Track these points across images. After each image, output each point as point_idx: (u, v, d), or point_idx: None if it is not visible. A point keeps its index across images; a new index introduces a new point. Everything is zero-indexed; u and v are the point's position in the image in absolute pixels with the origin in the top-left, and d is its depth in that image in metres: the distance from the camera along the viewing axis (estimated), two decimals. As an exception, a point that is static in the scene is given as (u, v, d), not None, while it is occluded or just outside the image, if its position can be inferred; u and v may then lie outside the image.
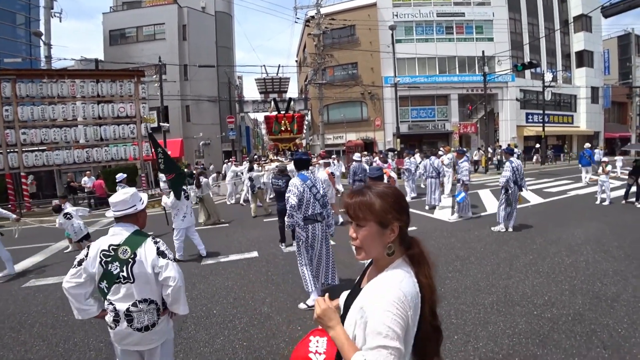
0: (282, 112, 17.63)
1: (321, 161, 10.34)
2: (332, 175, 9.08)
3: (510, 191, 7.20)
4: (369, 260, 1.38)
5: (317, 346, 1.36)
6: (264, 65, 31.05)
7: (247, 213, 10.93)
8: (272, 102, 19.42)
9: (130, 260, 2.10)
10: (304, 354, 1.36)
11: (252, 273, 5.59)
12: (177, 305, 2.19)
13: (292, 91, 46.11)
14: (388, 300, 1.08)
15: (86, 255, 2.12)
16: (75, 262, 2.12)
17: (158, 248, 2.16)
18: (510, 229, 7.25)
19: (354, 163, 9.49)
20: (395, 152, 19.98)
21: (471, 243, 6.60)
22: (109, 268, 2.09)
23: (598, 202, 9.95)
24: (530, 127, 29.31)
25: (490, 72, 24.07)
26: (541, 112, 26.91)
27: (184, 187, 6.48)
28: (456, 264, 5.42)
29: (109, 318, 2.14)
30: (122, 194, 2.21)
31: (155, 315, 2.18)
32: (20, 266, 6.90)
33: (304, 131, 19.68)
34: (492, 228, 7.34)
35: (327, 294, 1.35)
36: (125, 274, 2.09)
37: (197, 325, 3.91)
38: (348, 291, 1.42)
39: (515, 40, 28.51)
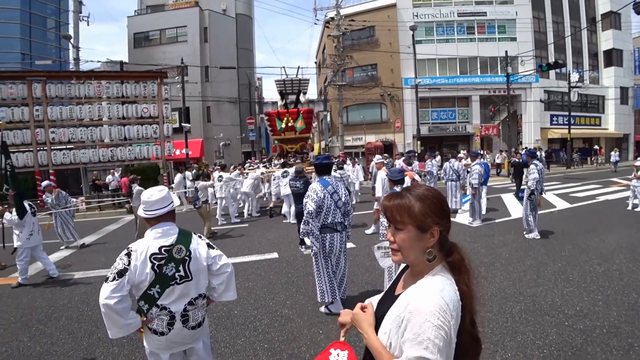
0: (287, 108, 15.07)
1: (376, 160, 9.47)
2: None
3: (535, 194, 6.97)
4: (402, 265, 1.33)
5: (337, 358, 1.35)
6: (284, 67, 31.38)
7: (260, 220, 10.96)
8: (279, 95, 16.75)
9: (186, 258, 2.08)
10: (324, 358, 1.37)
11: (273, 274, 5.58)
12: (228, 291, 2.27)
13: (312, 93, 46.16)
14: (429, 309, 1.02)
15: (128, 264, 1.97)
16: (112, 276, 1.92)
17: (205, 242, 2.24)
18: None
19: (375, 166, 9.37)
20: (415, 154, 19.69)
21: (495, 249, 6.41)
22: (164, 271, 2.02)
23: (630, 208, 9.52)
24: (555, 129, 28.37)
25: (513, 72, 23.45)
26: (567, 113, 26.01)
27: (29, 203, 5.99)
28: (480, 270, 5.26)
29: (159, 324, 2.05)
30: (159, 192, 2.13)
31: (204, 310, 2.23)
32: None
33: (313, 129, 17.01)
34: (526, 235, 7.06)
35: (371, 302, 1.32)
36: (182, 273, 2.06)
37: (218, 326, 3.92)
38: (377, 297, 1.37)
39: (539, 40, 27.64)
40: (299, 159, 13.77)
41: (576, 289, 4.48)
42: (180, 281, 2.06)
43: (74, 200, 8.64)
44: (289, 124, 14.32)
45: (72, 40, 18.70)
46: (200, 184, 8.65)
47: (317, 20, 33.57)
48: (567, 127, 25.74)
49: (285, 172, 9.93)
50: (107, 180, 15.68)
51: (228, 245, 7.40)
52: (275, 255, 6.62)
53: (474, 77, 27.02)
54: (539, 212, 7.31)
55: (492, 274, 5.14)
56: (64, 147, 14.41)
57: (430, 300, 1.04)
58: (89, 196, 14.95)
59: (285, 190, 9.46)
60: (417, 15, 26.61)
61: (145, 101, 15.10)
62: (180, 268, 2.06)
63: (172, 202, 2.19)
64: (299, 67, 28.77)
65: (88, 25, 20.65)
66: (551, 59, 24.75)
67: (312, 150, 15.60)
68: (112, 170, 15.80)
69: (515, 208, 10.22)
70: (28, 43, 48.24)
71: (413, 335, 1.02)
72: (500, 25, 27.38)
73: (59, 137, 14.05)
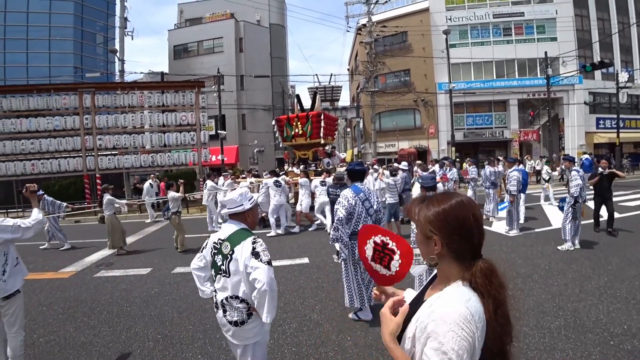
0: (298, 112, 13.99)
1: (403, 166, 8.92)
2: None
3: (579, 202, 6.59)
4: (434, 271, 1.33)
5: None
6: (316, 75, 31.86)
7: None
8: (295, 99, 15.50)
9: (229, 256, 2.23)
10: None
11: (303, 279, 5.64)
12: (261, 309, 2.12)
13: (344, 99, 46.34)
14: (453, 319, 1.01)
15: (206, 244, 2.43)
16: (200, 248, 2.47)
17: (254, 248, 2.17)
18: (577, 246, 6.62)
19: (400, 172, 9.28)
20: (450, 161, 19.06)
21: (534, 259, 6.11)
22: (215, 259, 2.32)
23: (688, 219, 8.75)
24: (602, 133, 26.63)
25: (553, 74, 22.35)
26: (615, 116, 24.35)
27: None
28: (517, 282, 5.04)
29: (214, 303, 2.39)
30: (232, 194, 2.41)
31: (245, 315, 2.21)
32: (93, 258, 7.67)
33: (344, 136, 15.12)
34: (559, 247, 6.67)
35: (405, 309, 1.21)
36: (224, 267, 2.25)
37: (249, 327, 4.01)
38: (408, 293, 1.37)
39: (583, 39, 26.09)
40: (312, 167, 12.85)
41: (624, 306, 4.18)
42: (223, 274, 2.27)
43: (63, 205, 9.16)
44: (298, 130, 13.35)
45: (117, 54, 20.00)
46: (170, 194, 8.04)
47: (350, 27, 33.86)
48: (615, 130, 24.10)
49: (277, 181, 9.27)
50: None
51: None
52: (305, 260, 6.69)
53: (512, 81, 26.01)
54: (582, 222, 6.89)
55: (529, 286, 4.90)
56: (109, 152, 15.39)
57: (455, 310, 1.02)
58: (130, 199, 15.79)
59: (279, 200, 9.10)
60: (450, 19, 26.11)
61: (183, 109, 15.85)
62: (224, 263, 2.26)
63: (243, 205, 2.35)
64: (331, 75, 29.04)
65: (132, 39, 22.04)
66: (596, 59, 23.34)
67: (328, 156, 13.81)
68: (152, 176, 16.60)
69: (556, 217, 9.67)
70: (80, 57, 52.01)
71: (437, 344, 1.01)
72: (539, 25, 26.24)
73: (104, 144, 15.05)
